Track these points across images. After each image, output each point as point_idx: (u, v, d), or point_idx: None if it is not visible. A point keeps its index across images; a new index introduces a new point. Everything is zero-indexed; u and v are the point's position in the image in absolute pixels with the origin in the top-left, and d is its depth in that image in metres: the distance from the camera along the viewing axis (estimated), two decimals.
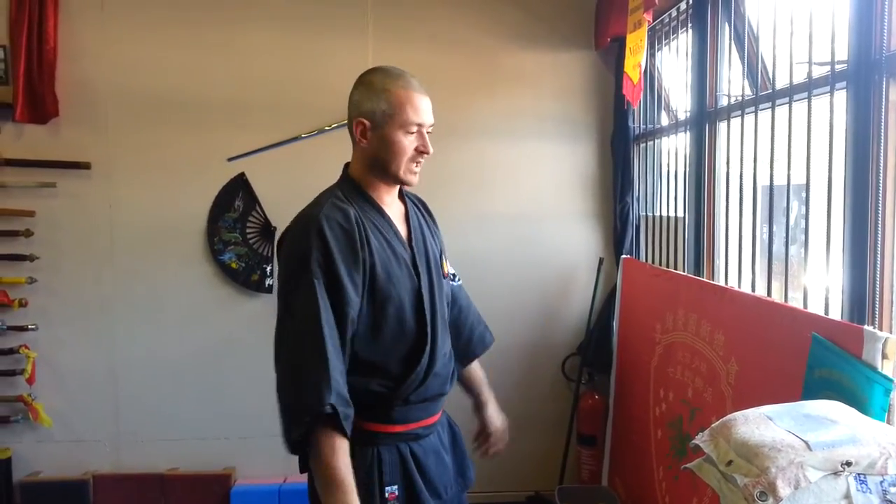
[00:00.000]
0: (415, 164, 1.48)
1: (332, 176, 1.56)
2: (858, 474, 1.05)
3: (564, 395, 3.41)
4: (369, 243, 1.40)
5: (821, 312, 1.65)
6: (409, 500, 1.39)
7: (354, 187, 1.49)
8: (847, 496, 1.05)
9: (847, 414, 1.20)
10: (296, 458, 1.40)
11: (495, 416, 1.76)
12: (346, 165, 1.57)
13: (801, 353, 1.55)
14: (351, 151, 1.54)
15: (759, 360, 1.82)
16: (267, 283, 3.31)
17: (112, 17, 3.12)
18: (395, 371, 1.42)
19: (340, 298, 1.33)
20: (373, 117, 1.43)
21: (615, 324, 3.20)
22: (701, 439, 1.33)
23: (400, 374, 1.42)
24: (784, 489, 1.04)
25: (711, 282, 2.37)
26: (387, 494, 1.36)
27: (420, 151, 1.47)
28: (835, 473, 1.06)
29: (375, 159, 1.47)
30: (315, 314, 1.29)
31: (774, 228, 1.94)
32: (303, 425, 1.25)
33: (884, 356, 1.26)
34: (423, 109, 1.45)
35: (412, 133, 1.45)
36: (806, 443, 1.09)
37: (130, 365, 3.23)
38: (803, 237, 1.80)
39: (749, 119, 2.11)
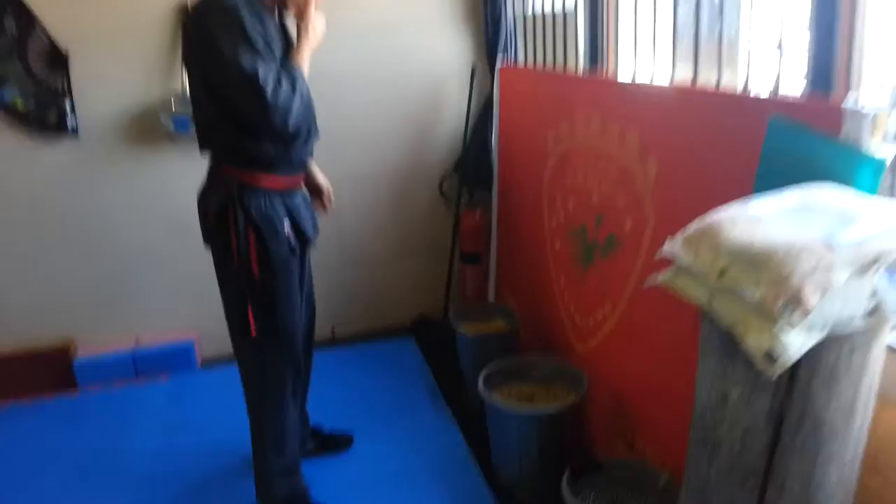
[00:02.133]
0: None
1: None
2: (888, 268, 0.92)
3: (444, 215, 3.22)
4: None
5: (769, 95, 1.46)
6: (296, 231, 1.92)
7: None
8: (874, 295, 0.92)
9: (853, 202, 1.05)
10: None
11: (320, 174, 2.20)
12: None
13: (746, 142, 1.40)
14: None
15: (686, 157, 1.67)
16: (68, 123, 2.61)
17: None
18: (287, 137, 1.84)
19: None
20: None
21: (493, 137, 2.97)
22: (673, 248, 1.15)
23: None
24: (813, 297, 0.89)
25: (615, 79, 2.14)
26: (286, 227, 1.88)
27: None
28: (861, 271, 0.92)
29: None
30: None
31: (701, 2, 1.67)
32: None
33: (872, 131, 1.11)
34: None
35: None
36: (828, 242, 0.94)
37: None
38: (735, 12, 1.59)
39: None
